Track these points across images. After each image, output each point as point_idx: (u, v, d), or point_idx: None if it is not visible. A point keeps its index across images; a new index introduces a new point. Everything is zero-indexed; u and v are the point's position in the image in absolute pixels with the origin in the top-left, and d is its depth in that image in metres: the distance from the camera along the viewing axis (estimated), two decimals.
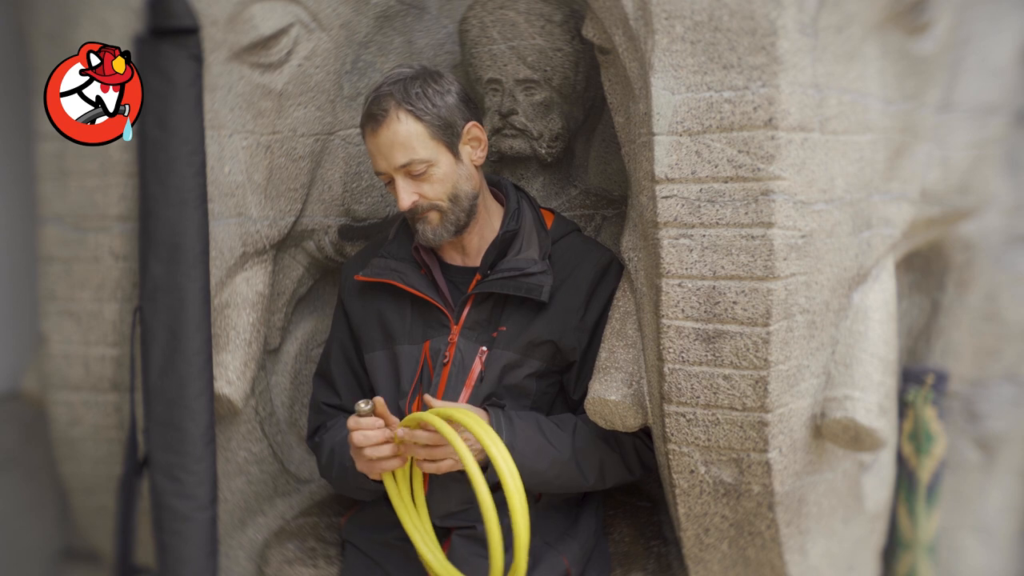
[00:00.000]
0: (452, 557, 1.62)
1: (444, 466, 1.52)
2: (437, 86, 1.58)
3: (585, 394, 1.62)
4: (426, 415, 1.46)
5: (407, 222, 1.73)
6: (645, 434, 1.64)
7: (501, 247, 1.65)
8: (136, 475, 1.60)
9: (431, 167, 1.56)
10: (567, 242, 1.72)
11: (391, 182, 1.59)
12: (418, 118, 1.54)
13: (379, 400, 1.52)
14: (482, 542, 1.64)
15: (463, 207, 1.62)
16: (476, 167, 1.65)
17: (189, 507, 1.56)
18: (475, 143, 1.64)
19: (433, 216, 1.60)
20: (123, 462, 1.62)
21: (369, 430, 1.51)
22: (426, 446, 1.50)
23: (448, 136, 1.58)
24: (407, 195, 1.57)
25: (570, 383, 1.68)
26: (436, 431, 1.45)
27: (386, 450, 1.52)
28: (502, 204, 1.73)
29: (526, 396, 1.65)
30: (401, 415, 1.68)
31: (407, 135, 1.54)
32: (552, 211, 1.79)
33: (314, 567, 1.78)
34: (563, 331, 1.63)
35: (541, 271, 1.62)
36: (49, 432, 1.75)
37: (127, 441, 1.62)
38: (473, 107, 1.65)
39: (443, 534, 1.66)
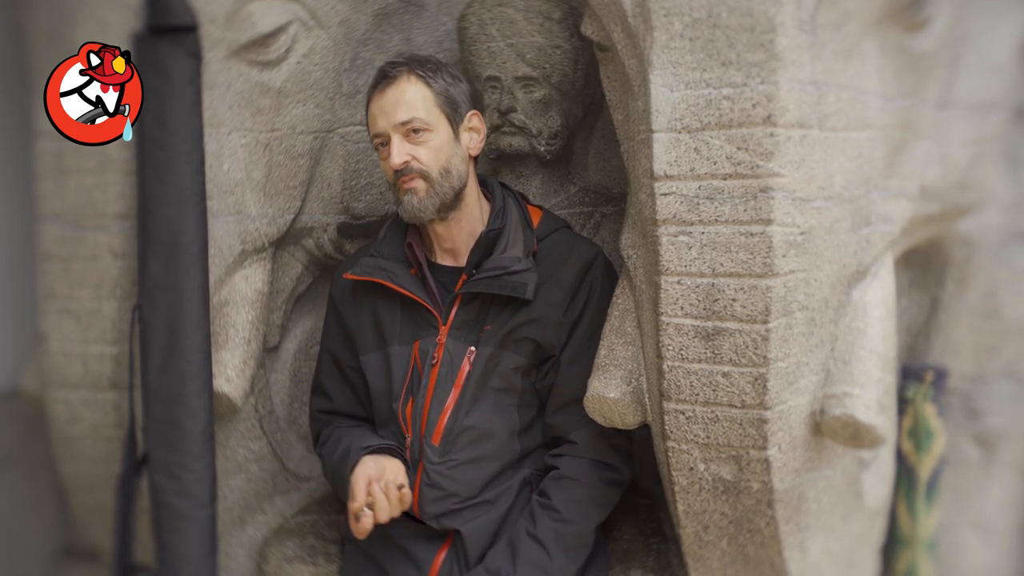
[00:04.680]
0: (453, 555, 1.63)
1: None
2: (450, 71, 1.66)
3: (551, 387, 1.65)
4: None
5: (398, 220, 1.73)
6: (620, 432, 1.63)
7: (486, 246, 1.65)
8: (135, 473, 1.60)
9: (429, 132, 1.59)
10: (554, 239, 1.71)
11: (386, 144, 1.60)
12: (428, 84, 1.60)
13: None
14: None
15: (452, 184, 1.62)
16: (471, 157, 1.67)
17: (188, 505, 1.56)
18: (474, 132, 1.67)
19: (420, 185, 1.59)
20: (122, 460, 1.62)
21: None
22: None
23: (452, 112, 1.62)
24: (400, 153, 1.58)
25: (541, 372, 1.67)
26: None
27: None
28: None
29: (512, 392, 1.65)
30: (393, 417, 1.68)
31: (413, 95, 1.58)
32: (542, 208, 1.79)
33: (313, 565, 1.78)
34: (545, 326, 1.63)
35: (525, 269, 1.62)
36: (48, 430, 1.75)
37: (126, 439, 1.61)
38: (479, 103, 1.71)
39: (441, 536, 1.66)
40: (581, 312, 1.65)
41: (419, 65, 1.61)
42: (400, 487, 1.54)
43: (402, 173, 1.59)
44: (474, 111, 1.67)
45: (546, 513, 1.60)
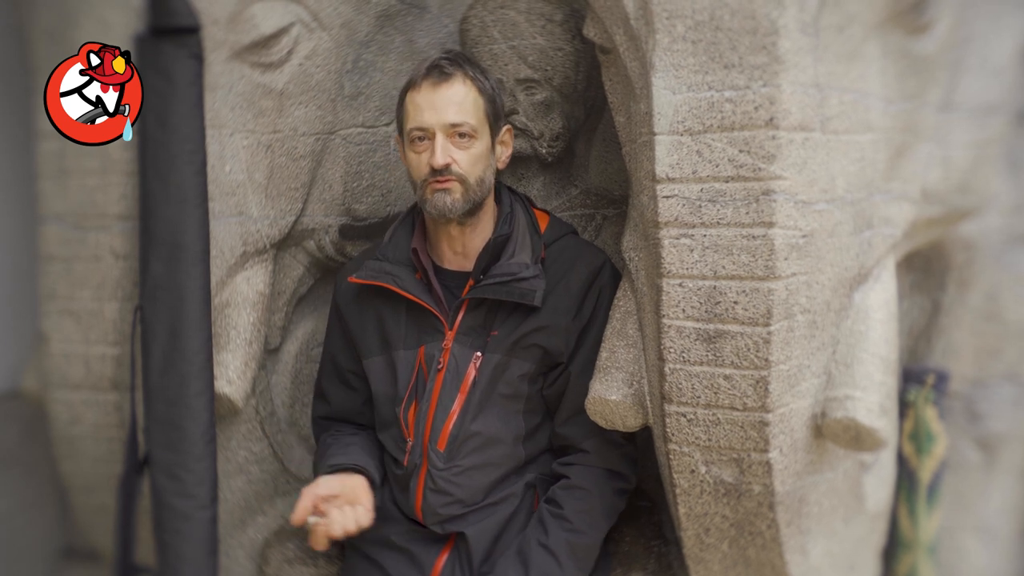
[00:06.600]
0: (455, 558, 1.63)
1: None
2: (495, 83, 1.67)
3: (558, 395, 1.65)
4: None
5: (403, 223, 1.72)
6: (627, 437, 1.64)
7: (494, 251, 1.64)
8: (136, 474, 1.60)
9: (474, 139, 1.59)
10: (562, 245, 1.71)
11: (425, 139, 1.58)
12: (480, 91, 1.60)
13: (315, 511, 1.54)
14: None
15: (483, 193, 1.62)
16: (497, 168, 1.67)
17: (189, 506, 1.56)
18: (504, 147, 1.68)
19: (456, 187, 1.58)
20: (123, 461, 1.62)
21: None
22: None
23: (494, 122, 1.63)
24: (444, 155, 1.56)
25: (549, 380, 1.67)
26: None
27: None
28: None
29: (519, 399, 1.65)
30: (397, 421, 1.68)
31: (466, 98, 1.58)
32: (548, 213, 1.79)
33: (314, 566, 1.78)
34: (553, 333, 1.62)
35: (533, 275, 1.61)
36: (49, 431, 1.75)
37: (127, 440, 1.61)
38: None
39: (442, 538, 1.66)
40: (589, 320, 1.64)
41: (472, 67, 1.60)
42: (355, 507, 1.54)
43: (438, 173, 1.57)
44: (507, 126, 1.68)
45: (558, 523, 1.60)
